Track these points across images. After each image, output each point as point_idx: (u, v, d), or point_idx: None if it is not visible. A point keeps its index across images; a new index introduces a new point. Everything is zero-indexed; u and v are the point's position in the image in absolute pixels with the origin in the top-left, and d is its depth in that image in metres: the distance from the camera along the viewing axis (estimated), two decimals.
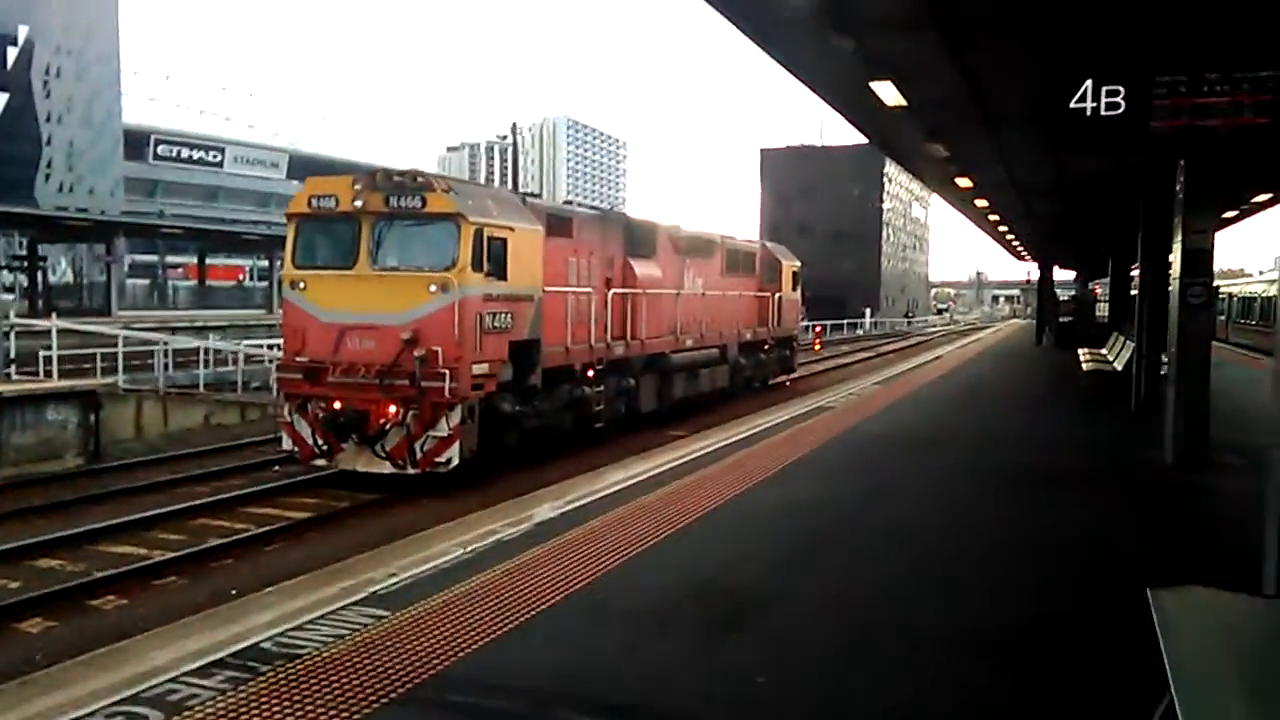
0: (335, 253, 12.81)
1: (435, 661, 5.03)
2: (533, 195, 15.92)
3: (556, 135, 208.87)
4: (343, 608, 5.85)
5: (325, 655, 5.11)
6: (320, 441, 12.58)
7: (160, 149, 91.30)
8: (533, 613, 5.78)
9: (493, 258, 12.58)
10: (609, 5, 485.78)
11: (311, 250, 13.06)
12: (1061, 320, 40.72)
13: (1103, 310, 40.05)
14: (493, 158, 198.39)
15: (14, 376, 16.69)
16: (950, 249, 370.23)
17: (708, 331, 20.42)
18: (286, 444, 13.04)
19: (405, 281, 12.30)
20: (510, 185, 57.54)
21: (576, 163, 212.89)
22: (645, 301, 17.19)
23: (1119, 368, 20.45)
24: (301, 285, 12.85)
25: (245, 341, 24.18)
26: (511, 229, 13.06)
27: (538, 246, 13.72)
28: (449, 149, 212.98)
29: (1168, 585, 3.95)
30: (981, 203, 27.29)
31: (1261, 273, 56.49)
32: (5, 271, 45.48)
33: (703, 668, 5.09)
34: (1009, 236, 40.86)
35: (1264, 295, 35.72)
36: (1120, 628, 5.53)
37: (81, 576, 9.02)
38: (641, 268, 17.24)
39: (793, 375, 27.50)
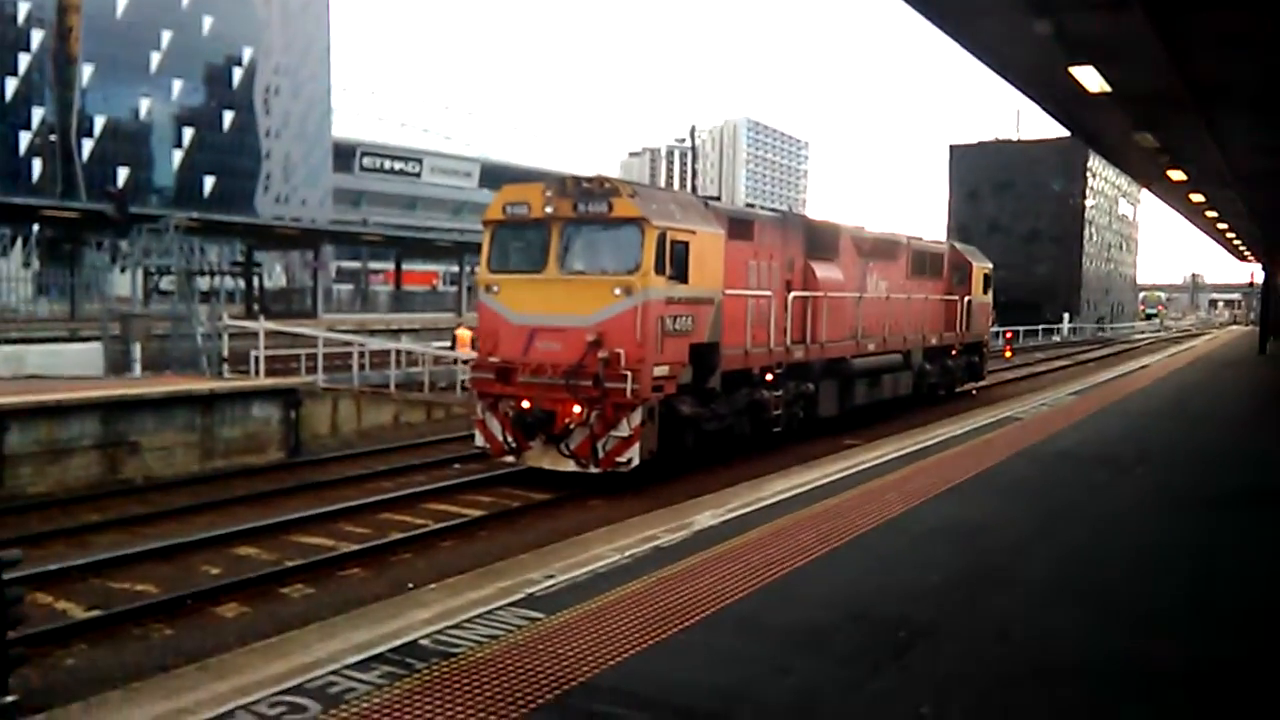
0: (526, 257, 13.14)
1: (585, 668, 4.94)
2: (713, 198, 15.81)
3: (737, 137, 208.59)
4: (499, 608, 5.87)
5: (479, 655, 5.12)
6: (510, 439, 12.92)
7: (365, 160, 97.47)
8: (685, 624, 5.61)
9: (675, 261, 12.66)
10: (793, 1, 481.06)
11: (505, 255, 13.45)
12: None
13: None
14: (673, 161, 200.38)
15: (226, 375, 18.02)
16: (1162, 248, 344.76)
17: (891, 336, 19.75)
18: (479, 440, 13.49)
19: (591, 285, 12.51)
20: (690, 189, 57.80)
21: (756, 164, 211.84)
22: (826, 304, 16.83)
23: None
24: (495, 289, 13.26)
25: (434, 344, 25.22)
26: (694, 232, 13.09)
27: (719, 249, 13.70)
28: (631, 154, 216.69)
29: None
30: (1197, 198, 25.14)
31: None
32: (226, 277, 49.58)
33: (858, 693, 4.78)
34: (1229, 234, 37.50)
35: None
36: None
37: (274, 565, 9.51)
38: (822, 270, 16.89)
39: (981, 383, 26.19)
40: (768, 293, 15.15)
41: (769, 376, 15.31)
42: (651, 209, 12.54)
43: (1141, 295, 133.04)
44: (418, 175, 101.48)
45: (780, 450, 15.05)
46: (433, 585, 6.96)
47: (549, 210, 12.78)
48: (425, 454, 15.59)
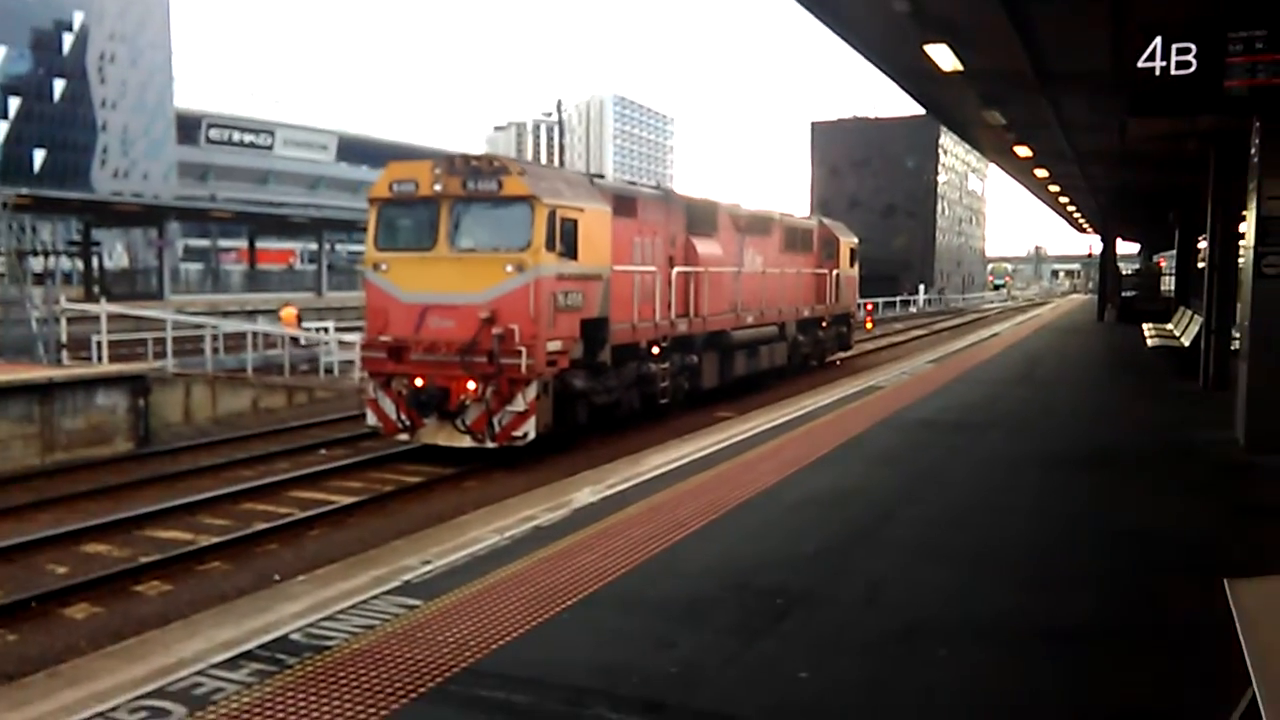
0: (415, 235, 13.26)
1: (467, 654, 4.84)
2: (598, 176, 16.06)
3: (604, 112, 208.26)
4: (374, 597, 5.68)
5: (354, 647, 4.94)
6: (404, 417, 12.98)
7: (212, 133, 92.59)
8: (567, 603, 5.56)
9: (565, 238, 12.95)
10: None
11: (392, 233, 13.51)
12: (1124, 295, 39.47)
13: (1168, 284, 38.71)
14: (539, 136, 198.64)
15: (65, 361, 16.91)
16: (1008, 222, 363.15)
17: (767, 309, 20.48)
18: (371, 420, 13.51)
19: (483, 262, 12.65)
20: (558, 163, 57.42)
21: (624, 140, 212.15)
22: (707, 279, 17.34)
23: (1186, 343, 19.66)
24: (383, 267, 13.31)
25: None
26: (582, 210, 13.39)
27: (606, 226, 14.02)
28: (496, 128, 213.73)
29: (1246, 576, 3.66)
30: (1041, 173, 26.49)
31: None
32: (62, 257, 46.45)
33: (739, 663, 4.84)
34: (1070, 208, 39.75)
35: None
36: (1208, 621, 5.17)
37: (127, 562, 9.06)
38: (703, 246, 17.37)
39: (849, 353, 27.27)
40: (652, 268, 15.53)
41: (655, 350, 15.77)
42: (541, 187, 12.79)
43: (990, 267, 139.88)
44: (270, 148, 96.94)
45: (655, 425, 15.26)
46: (302, 577, 6.68)
47: (438, 188, 12.88)
48: (288, 440, 15.06)
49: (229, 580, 8.62)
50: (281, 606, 5.60)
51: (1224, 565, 5.99)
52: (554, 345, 12.74)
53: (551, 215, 12.65)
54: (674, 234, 16.56)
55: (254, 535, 9.89)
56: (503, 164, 12.95)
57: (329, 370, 21.67)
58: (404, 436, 13.24)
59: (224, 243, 68.22)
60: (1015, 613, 5.62)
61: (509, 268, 12.42)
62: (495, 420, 12.52)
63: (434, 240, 12.95)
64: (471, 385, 12.52)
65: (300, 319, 23.40)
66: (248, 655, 4.85)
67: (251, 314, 30.32)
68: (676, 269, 16.37)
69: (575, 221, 13.19)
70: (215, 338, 20.88)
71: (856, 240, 27.44)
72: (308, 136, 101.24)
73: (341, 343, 22.38)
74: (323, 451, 14.17)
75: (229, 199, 70.60)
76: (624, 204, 14.96)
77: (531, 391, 12.45)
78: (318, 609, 5.50)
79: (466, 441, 12.72)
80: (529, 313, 12.37)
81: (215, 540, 9.62)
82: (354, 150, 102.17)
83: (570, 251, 13.06)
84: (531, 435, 12.53)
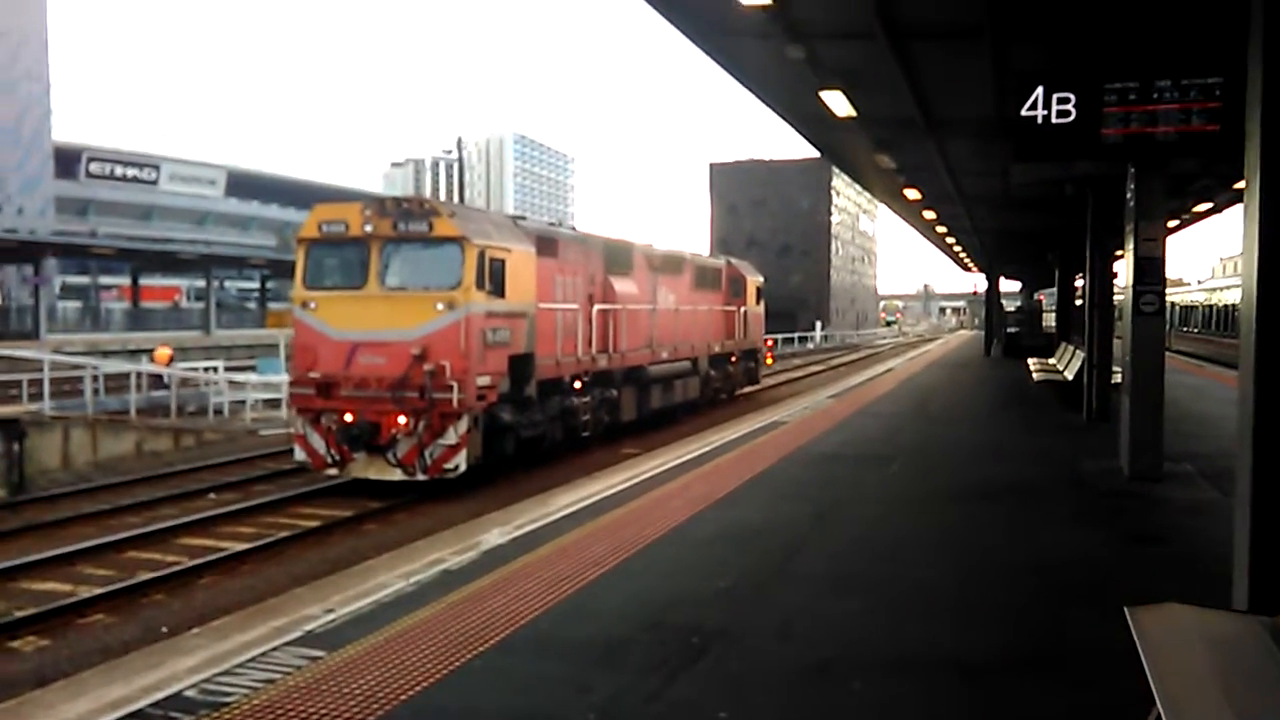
0: (345, 274, 13.54)
1: (374, 706, 4.65)
2: (521, 218, 16.54)
3: (504, 150, 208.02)
4: (274, 649, 5.44)
5: (255, 703, 4.70)
6: (333, 452, 13.12)
7: (93, 166, 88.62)
8: (480, 649, 5.41)
9: (493, 277, 13.40)
10: (560, 19, 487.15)
11: (321, 272, 13.67)
12: (1009, 331, 41.09)
13: (1049, 320, 40.44)
14: (438, 173, 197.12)
15: None
16: (898, 261, 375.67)
17: (680, 345, 21.15)
18: (299, 455, 13.55)
19: (414, 300, 12.99)
20: (458, 201, 57.06)
21: (524, 178, 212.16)
22: (625, 316, 17.97)
23: (1069, 378, 20.54)
24: (312, 305, 13.44)
25: (181, 365, 23.42)
26: (509, 250, 13.87)
27: (531, 266, 14.53)
28: (394, 165, 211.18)
29: (1145, 603, 3.79)
30: (930, 214, 27.46)
31: (1200, 281, 58.10)
32: None
33: (659, 704, 4.77)
34: (956, 248, 41.30)
35: (1204, 304, 36.62)
36: (1111, 647, 5.32)
37: (1, 616, 8.49)
38: (620, 285, 18.00)
39: (756, 387, 28.02)
40: (574, 306, 16.06)
41: (578, 384, 16.26)
42: (470, 228, 13.30)
43: (882, 304, 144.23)
44: (155, 183, 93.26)
45: (565, 461, 15.25)
46: (196, 629, 6.37)
47: (368, 229, 13.24)
48: (175, 485, 14.43)
49: (113, 633, 8.19)
50: (175, 661, 5.31)
51: (1120, 591, 6.21)
52: (483, 380, 13.10)
53: (481, 255, 13.08)
54: (593, 273, 17.10)
55: (139, 585, 9.41)
56: (432, 206, 13.51)
57: (219, 411, 20.89)
58: (333, 471, 13.38)
59: (105, 280, 65.27)
60: (927, 644, 5.70)
61: (440, 305, 12.77)
62: (426, 453, 12.75)
63: (364, 279, 13.23)
64: (403, 419, 12.75)
65: (172, 360, 22.75)
66: (139, 715, 4.58)
67: (135, 353, 29.08)
68: (596, 307, 16.88)
69: (503, 261, 13.64)
70: (96, 378, 19.95)
71: (762, 279, 28.35)
72: (195, 171, 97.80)
73: (231, 383, 21.63)
74: (212, 496, 13.64)
75: (111, 235, 67.70)
76: (547, 244, 15.40)
77: (463, 425, 12.73)
78: (214, 663, 5.24)
79: (398, 474, 12.88)
80: (460, 349, 12.73)
81: (97, 591, 9.12)
82: (244, 186, 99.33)
83: (498, 290, 13.49)
84: (463, 467, 12.79)
